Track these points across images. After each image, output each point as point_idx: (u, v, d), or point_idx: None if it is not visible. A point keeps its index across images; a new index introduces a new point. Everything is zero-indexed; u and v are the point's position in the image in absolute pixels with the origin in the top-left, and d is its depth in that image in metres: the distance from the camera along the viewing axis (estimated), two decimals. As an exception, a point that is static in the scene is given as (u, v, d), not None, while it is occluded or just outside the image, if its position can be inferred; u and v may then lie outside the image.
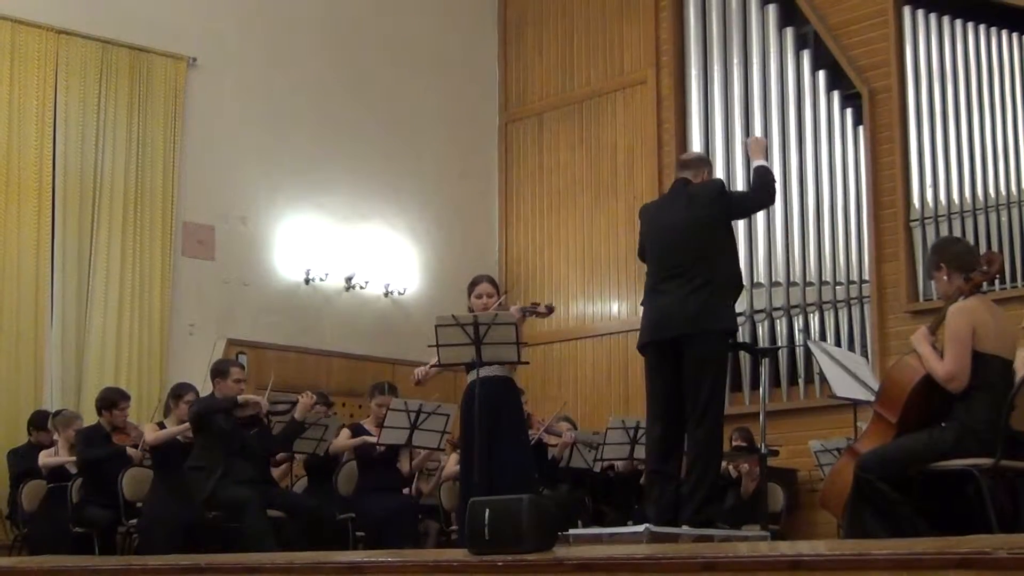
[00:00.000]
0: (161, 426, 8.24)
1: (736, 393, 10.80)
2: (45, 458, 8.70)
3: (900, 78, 10.58)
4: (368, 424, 8.78)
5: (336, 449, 8.70)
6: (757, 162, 6.24)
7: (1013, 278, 9.74)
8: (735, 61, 11.65)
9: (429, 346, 6.75)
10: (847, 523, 5.14)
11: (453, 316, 6.58)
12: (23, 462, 9.00)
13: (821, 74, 11.16)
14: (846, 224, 10.85)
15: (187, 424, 7.83)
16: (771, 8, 11.52)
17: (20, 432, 9.39)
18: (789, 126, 11.25)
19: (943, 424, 5.14)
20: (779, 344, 10.85)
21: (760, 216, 10.83)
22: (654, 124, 12.06)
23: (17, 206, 10.03)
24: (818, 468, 9.09)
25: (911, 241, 10.35)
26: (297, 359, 11.21)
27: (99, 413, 8.45)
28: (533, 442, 8.17)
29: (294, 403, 7.93)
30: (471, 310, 6.77)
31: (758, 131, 11.31)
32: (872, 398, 6.33)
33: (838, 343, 10.44)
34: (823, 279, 10.88)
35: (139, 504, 8.11)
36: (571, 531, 5.89)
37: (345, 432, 8.72)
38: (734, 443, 9.61)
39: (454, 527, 8.61)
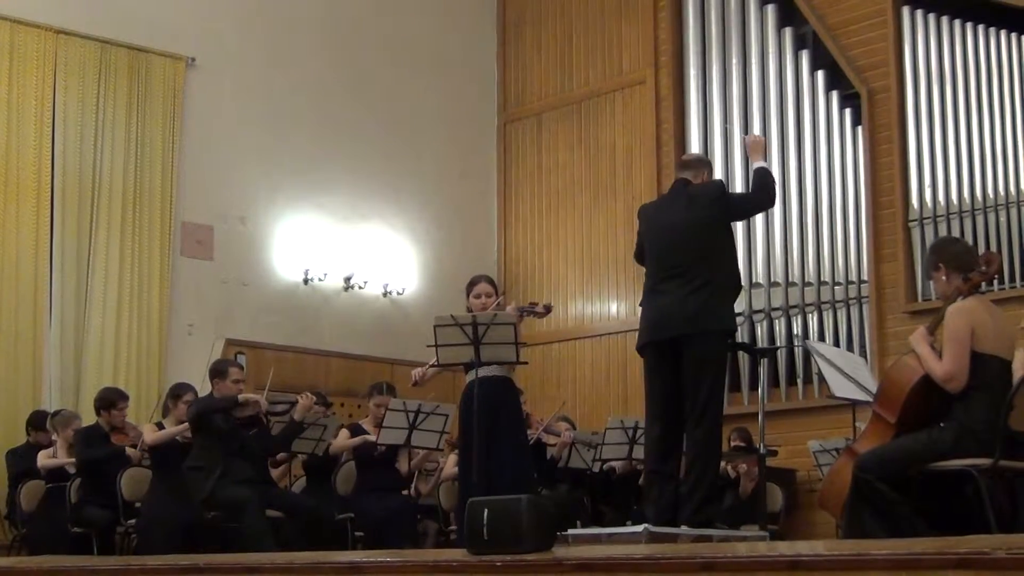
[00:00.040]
0: (160, 426, 8.23)
1: (735, 393, 10.80)
2: (44, 460, 8.69)
3: (899, 78, 10.58)
4: (366, 424, 8.78)
5: (337, 449, 8.69)
6: (757, 163, 6.23)
7: (1012, 278, 9.74)
8: (734, 61, 11.65)
9: (428, 346, 6.75)
10: (846, 523, 5.14)
11: (452, 316, 6.58)
12: (22, 462, 9.00)
13: (820, 74, 11.16)
14: (845, 224, 10.85)
15: (186, 424, 7.82)
16: (770, 8, 11.52)
17: (19, 432, 9.39)
18: (788, 126, 11.25)
19: (942, 424, 5.14)
20: (778, 344, 10.85)
21: (759, 216, 10.82)
22: (653, 124, 12.06)
23: (16, 206, 10.03)
24: (817, 468, 9.09)
25: (910, 241, 10.35)
26: (296, 359, 11.21)
27: (98, 413, 8.45)
28: (532, 442, 8.17)
29: (293, 403, 7.93)
30: (470, 310, 6.78)
31: (757, 131, 11.29)
32: (870, 399, 6.33)
33: (837, 343, 10.44)
34: (822, 279, 10.88)
35: (138, 504, 8.11)
36: (570, 531, 5.89)
37: (344, 432, 8.72)
38: (732, 443, 9.61)
39: (453, 527, 8.62)
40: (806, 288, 10.92)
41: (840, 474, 5.33)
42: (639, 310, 6.17)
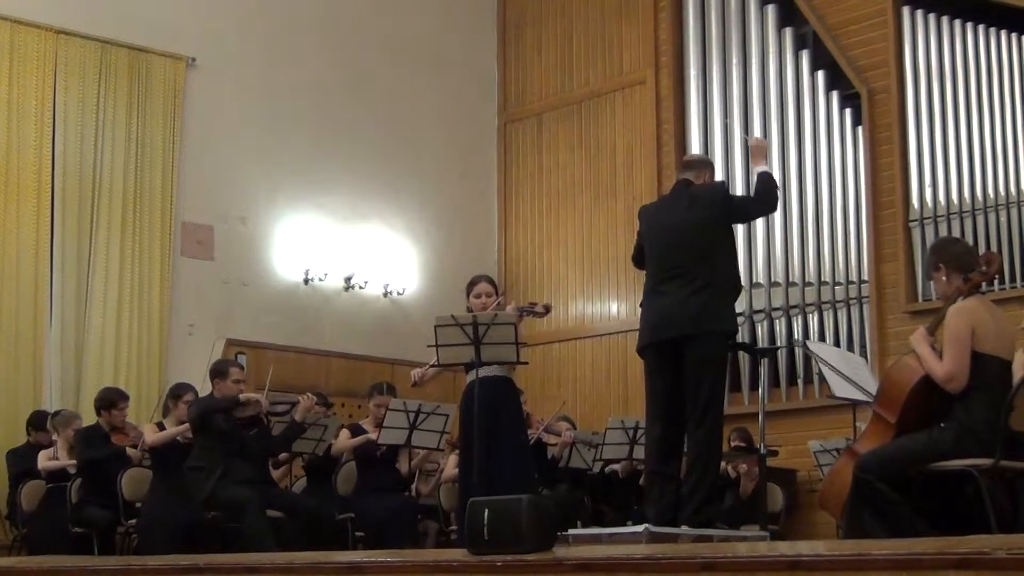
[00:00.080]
0: (160, 426, 8.23)
1: (735, 393, 10.80)
2: (45, 461, 8.68)
3: (899, 78, 10.58)
4: (367, 424, 8.78)
5: (339, 450, 8.68)
6: (760, 168, 6.21)
7: (1012, 278, 9.74)
8: (734, 61, 11.65)
9: (428, 346, 6.75)
10: (846, 523, 5.14)
11: (452, 316, 6.58)
12: (22, 462, 9.00)
13: (820, 74, 11.16)
14: (845, 224, 10.85)
15: (187, 425, 7.82)
16: (770, 8, 11.52)
17: (19, 432, 9.39)
18: (788, 126, 11.25)
19: (942, 424, 5.15)
20: (778, 344, 10.85)
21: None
22: (653, 124, 12.06)
23: (16, 206, 10.03)
24: (817, 468, 9.08)
25: (910, 241, 10.35)
26: (296, 359, 11.21)
27: (98, 413, 8.45)
28: (532, 442, 8.17)
29: (293, 404, 7.93)
30: (470, 310, 6.78)
31: (757, 131, 11.30)
32: (871, 399, 6.33)
33: (837, 343, 10.44)
34: (822, 279, 10.88)
35: (138, 504, 8.11)
36: (570, 531, 5.88)
37: (345, 433, 8.72)
38: (732, 443, 9.61)
39: (453, 527, 8.62)
40: (806, 288, 10.92)
41: (840, 474, 5.33)
42: (639, 310, 6.16)
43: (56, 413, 9.13)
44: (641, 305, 6.12)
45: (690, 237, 5.96)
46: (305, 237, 11.70)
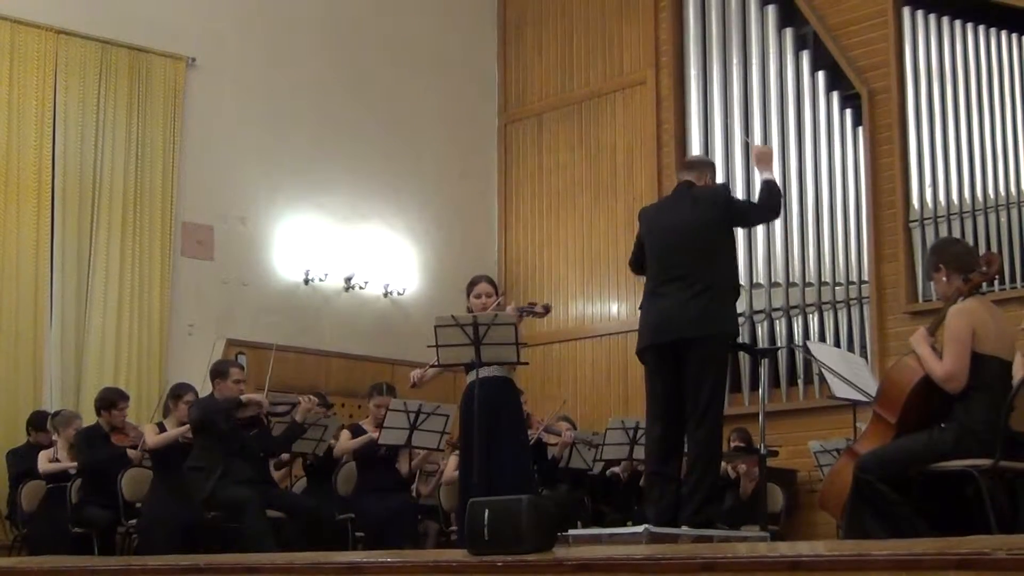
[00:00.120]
0: (161, 427, 8.23)
1: (735, 394, 10.80)
2: (45, 464, 8.66)
3: (900, 79, 10.58)
4: (367, 425, 8.77)
5: (341, 451, 8.67)
6: (765, 175, 6.20)
7: (1012, 279, 9.75)
8: (734, 62, 11.65)
9: (428, 346, 6.75)
10: (846, 524, 5.14)
11: (452, 316, 6.58)
12: (22, 462, 9.00)
13: (820, 75, 11.16)
14: (845, 225, 10.85)
15: (187, 426, 7.82)
16: (770, 8, 11.52)
17: (19, 432, 9.39)
18: (788, 127, 11.26)
19: (942, 425, 5.15)
20: (778, 345, 10.85)
21: (760, 217, 10.82)
22: (653, 125, 12.06)
23: (16, 206, 10.03)
24: (817, 469, 9.08)
25: (910, 242, 10.35)
26: (296, 359, 11.20)
27: (98, 413, 8.45)
28: (532, 442, 8.16)
29: (294, 404, 7.93)
30: (470, 310, 6.78)
31: (758, 131, 11.32)
32: (871, 400, 6.33)
33: (837, 344, 10.44)
34: (822, 280, 10.88)
35: (138, 504, 8.11)
36: (570, 532, 5.88)
37: (345, 434, 8.71)
38: (732, 444, 9.61)
39: (453, 527, 8.61)
40: (807, 288, 10.92)
41: (841, 475, 5.33)
42: (639, 311, 6.14)
43: (56, 413, 9.13)
44: (641, 307, 6.10)
45: (691, 238, 5.95)
46: (305, 237, 11.70)
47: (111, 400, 8.45)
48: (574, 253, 12.54)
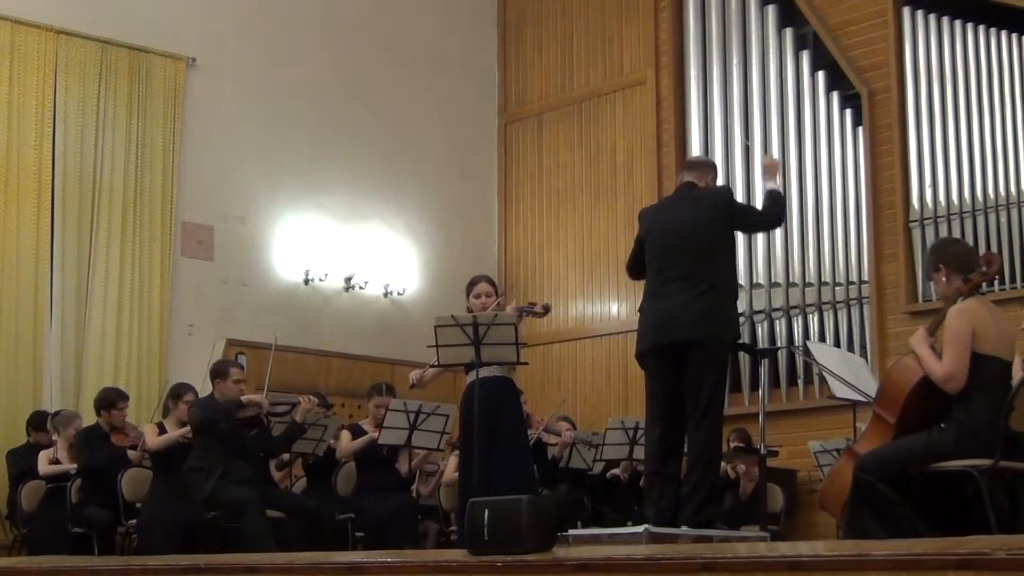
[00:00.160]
0: (160, 427, 8.23)
1: (735, 394, 10.80)
2: (46, 465, 8.66)
3: (899, 79, 10.58)
4: (366, 425, 8.76)
5: (344, 453, 8.65)
6: (771, 185, 6.20)
7: (1012, 279, 9.75)
8: (734, 62, 11.65)
9: (428, 346, 6.75)
10: (846, 524, 5.13)
11: (452, 316, 6.58)
12: (22, 462, 9.00)
13: (820, 75, 11.16)
14: (845, 225, 10.85)
15: (188, 428, 7.82)
16: (770, 9, 11.52)
17: (19, 432, 9.39)
18: (788, 127, 11.25)
19: (942, 425, 5.15)
20: (778, 345, 10.85)
21: (760, 216, 10.81)
22: (653, 125, 12.06)
23: (16, 206, 10.03)
24: (817, 469, 9.08)
25: (910, 242, 10.35)
26: (296, 359, 11.20)
27: (98, 413, 8.45)
28: (532, 442, 8.16)
29: (294, 404, 7.93)
30: (470, 310, 6.78)
31: (757, 131, 11.34)
32: (871, 400, 6.33)
33: (837, 344, 10.44)
34: (822, 280, 10.88)
35: (138, 504, 8.11)
36: (570, 532, 5.88)
37: (346, 435, 8.69)
38: (732, 444, 9.61)
39: (453, 528, 8.61)
40: (807, 288, 10.92)
41: (840, 475, 5.33)
42: (639, 313, 6.12)
43: (56, 413, 9.13)
44: (640, 308, 6.06)
45: (693, 238, 5.93)
46: (305, 237, 11.70)
47: (111, 400, 8.45)
48: (574, 253, 12.54)
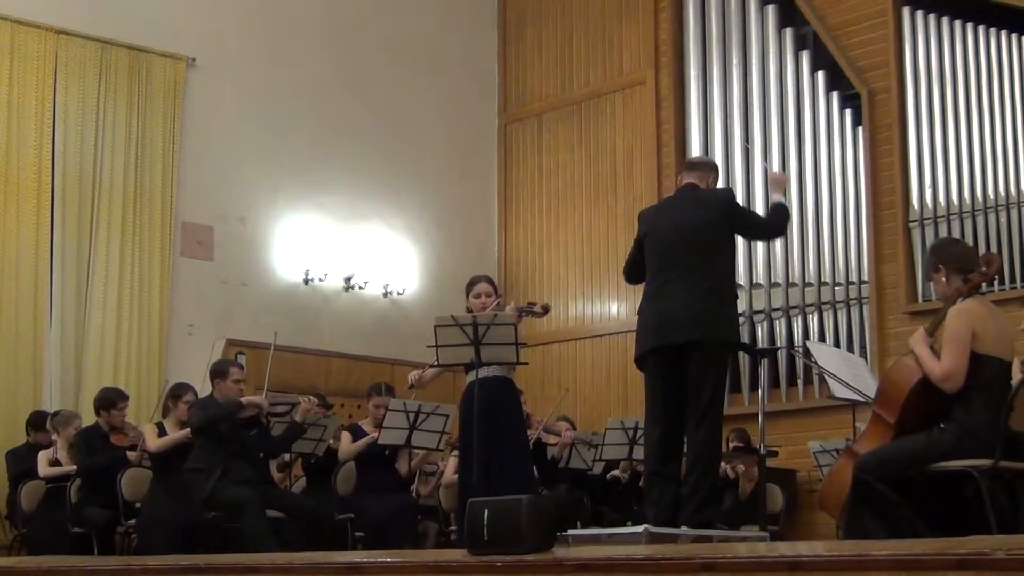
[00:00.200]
0: (160, 427, 8.22)
1: (735, 394, 10.80)
2: (46, 466, 8.65)
3: (899, 79, 10.58)
4: (366, 425, 8.76)
5: (345, 455, 8.63)
6: (777, 198, 6.20)
7: (1012, 279, 9.74)
8: (734, 62, 11.65)
9: (428, 346, 6.75)
10: (846, 524, 5.13)
11: (452, 316, 6.58)
12: (22, 462, 9.00)
13: (820, 75, 11.16)
14: (845, 225, 10.85)
15: (188, 430, 7.81)
16: (770, 9, 11.52)
17: (19, 432, 9.39)
18: (788, 127, 11.26)
19: (942, 425, 5.15)
20: (778, 345, 10.84)
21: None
22: (653, 125, 12.06)
23: (16, 206, 10.03)
24: (817, 469, 9.08)
25: (910, 242, 10.35)
26: (296, 359, 11.20)
27: (97, 413, 8.45)
28: (532, 442, 8.16)
29: (293, 405, 7.93)
30: (469, 310, 6.77)
31: (757, 131, 11.35)
32: (870, 400, 6.32)
33: (837, 344, 10.44)
34: (822, 280, 10.88)
35: (138, 504, 8.11)
36: (570, 532, 5.87)
37: (346, 436, 8.68)
38: (731, 444, 9.60)
39: (453, 527, 8.61)
40: (806, 289, 10.92)
41: (840, 475, 5.33)
42: (638, 315, 6.09)
43: (56, 413, 9.13)
44: (640, 309, 6.04)
45: (695, 237, 5.90)
46: (305, 237, 11.70)
47: (110, 400, 8.45)
48: (574, 253, 12.54)
